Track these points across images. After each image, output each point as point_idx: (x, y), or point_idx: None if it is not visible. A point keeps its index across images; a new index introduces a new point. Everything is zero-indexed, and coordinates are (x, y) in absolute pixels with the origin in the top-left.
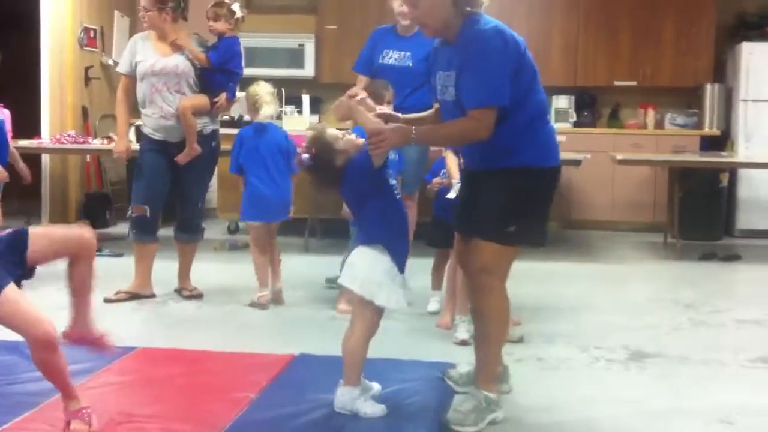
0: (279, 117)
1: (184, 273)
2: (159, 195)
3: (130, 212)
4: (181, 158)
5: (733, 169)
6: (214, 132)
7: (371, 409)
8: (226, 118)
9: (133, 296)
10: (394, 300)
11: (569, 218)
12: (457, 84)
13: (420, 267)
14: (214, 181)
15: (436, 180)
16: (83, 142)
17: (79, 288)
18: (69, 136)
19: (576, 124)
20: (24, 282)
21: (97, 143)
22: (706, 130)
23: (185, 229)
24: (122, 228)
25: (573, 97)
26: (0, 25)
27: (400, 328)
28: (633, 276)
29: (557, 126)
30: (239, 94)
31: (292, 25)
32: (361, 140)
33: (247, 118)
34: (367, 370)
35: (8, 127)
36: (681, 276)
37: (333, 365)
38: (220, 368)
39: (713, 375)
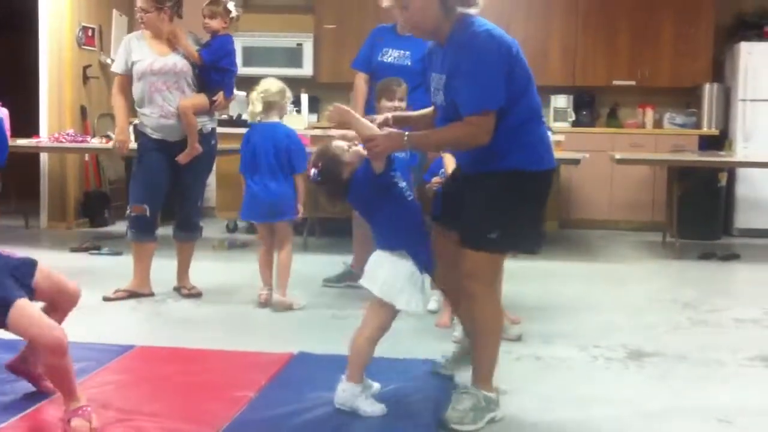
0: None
1: (182, 271)
2: (158, 194)
3: (128, 211)
4: (183, 158)
5: (731, 169)
6: (213, 130)
7: (371, 407)
8: (224, 117)
9: (131, 295)
10: (414, 304)
11: (568, 217)
12: (446, 87)
13: None
14: (212, 180)
15: (435, 179)
16: (82, 141)
17: None
18: (67, 135)
19: (574, 124)
20: None
21: (95, 142)
22: (705, 130)
23: (184, 227)
24: (121, 227)
25: (572, 97)
26: None
27: (399, 327)
28: (632, 275)
29: (556, 125)
30: (239, 92)
31: (291, 24)
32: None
33: (245, 117)
34: (367, 369)
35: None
36: (680, 275)
37: (332, 364)
38: (219, 367)
39: (712, 374)
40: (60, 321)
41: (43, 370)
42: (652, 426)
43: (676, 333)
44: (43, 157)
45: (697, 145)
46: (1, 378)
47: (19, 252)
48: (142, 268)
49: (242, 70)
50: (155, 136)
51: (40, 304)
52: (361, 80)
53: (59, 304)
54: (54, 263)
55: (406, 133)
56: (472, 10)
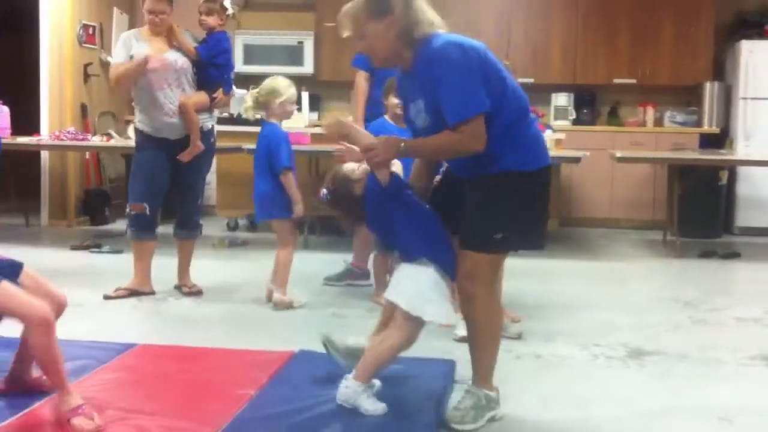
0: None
1: (183, 270)
2: (158, 192)
3: (128, 210)
4: (185, 156)
5: (732, 167)
6: (212, 128)
7: (372, 406)
8: (225, 115)
9: (132, 293)
10: (443, 315)
11: (568, 216)
12: (427, 106)
13: None
14: (213, 178)
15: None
16: (82, 139)
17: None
18: (68, 133)
19: (575, 122)
20: None
21: (96, 140)
22: (706, 128)
23: (184, 225)
24: (121, 225)
25: (572, 95)
26: None
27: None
28: (632, 274)
29: (557, 124)
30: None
31: (291, 22)
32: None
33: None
34: None
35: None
36: (680, 274)
37: (333, 362)
38: (220, 365)
39: (712, 373)
40: None
41: (34, 356)
42: (653, 425)
43: (676, 332)
44: (44, 155)
45: (698, 144)
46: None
47: (20, 250)
48: (142, 266)
49: (243, 68)
50: (155, 134)
51: None
52: (361, 78)
53: None
54: (54, 261)
55: (403, 139)
56: (430, 31)
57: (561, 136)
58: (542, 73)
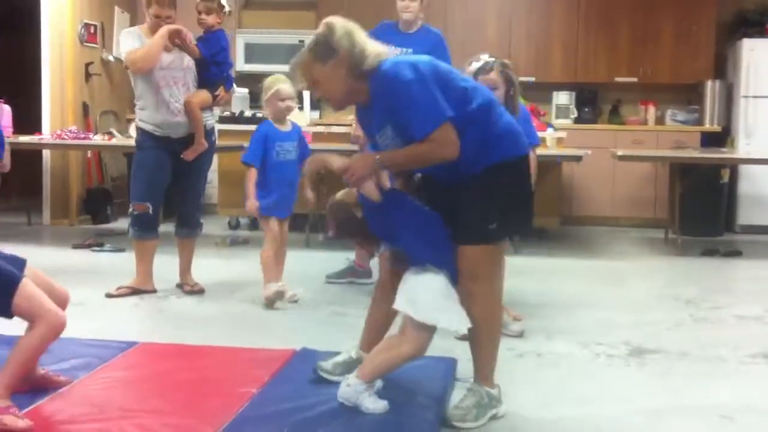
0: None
1: (184, 268)
2: (160, 191)
3: (131, 209)
4: (189, 154)
5: (734, 166)
6: (213, 127)
7: (374, 404)
8: (226, 113)
9: (134, 292)
10: (456, 321)
11: (570, 214)
12: (396, 134)
13: None
14: (214, 177)
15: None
16: (84, 138)
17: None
18: (70, 131)
19: (577, 120)
20: None
21: (98, 139)
22: (707, 127)
23: (185, 223)
24: (123, 223)
25: (574, 93)
26: (0, 22)
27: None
28: (634, 272)
29: (558, 122)
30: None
31: (292, 21)
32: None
33: (247, 113)
34: None
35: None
36: (682, 272)
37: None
38: (222, 363)
39: (713, 371)
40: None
41: (19, 349)
42: (653, 423)
43: (677, 330)
44: (46, 154)
45: (699, 142)
46: None
47: (21, 248)
48: (144, 265)
49: (244, 66)
50: (158, 132)
51: None
52: None
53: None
54: (56, 260)
55: (377, 153)
56: (377, 60)
57: (562, 134)
58: (543, 71)
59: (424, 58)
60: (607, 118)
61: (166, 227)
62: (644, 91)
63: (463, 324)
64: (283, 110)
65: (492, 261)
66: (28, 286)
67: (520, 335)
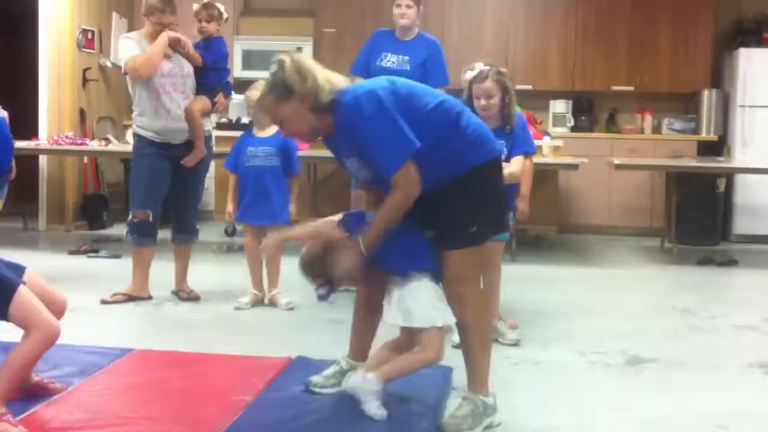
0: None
1: (180, 275)
2: (160, 198)
3: (131, 217)
4: (190, 161)
5: (730, 175)
6: (211, 133)
7: (377, 411)
8: (224, 120)
9: (129, 298)
10: (449, 316)
11: (566, 222)
12: (362, 164)
13: None
14: (211, 184)
15: None
16: (81, 144)
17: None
18: (66, 137)
19: (573, 129)
20: None
21: (94, 145)
22: (704, 136)
23: (182, 230)
24: (119, 229)
25: (571, 102)
26: None
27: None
28: (630, 281)
29: (555, 130)
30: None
31: (291, 27)
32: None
33: (244, 120)
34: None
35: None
36: (678, 281)
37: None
38: (217, 371)
39: (709, 380)
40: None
41: (13, 356)
42: (650, 431)
43: (674, 339)
44: (42, 159)
45: (696, 151)
46: None
47: (18, 254)
48: (141, 272)
49: (241, 73)
50: (157, 139)
51: None
52: None
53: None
54: (52, 265)
55: (359, 240)
56: (336, 90)
57: (559, 142)
58: (541, 79)
59: (382, 84)
60: (603, 126)
61: (162, 233)
62: (641, 100)
63: (451, 319)
64: (257, 116)
65: (478, 262)
66: (24, 294)
67: (516, 343)
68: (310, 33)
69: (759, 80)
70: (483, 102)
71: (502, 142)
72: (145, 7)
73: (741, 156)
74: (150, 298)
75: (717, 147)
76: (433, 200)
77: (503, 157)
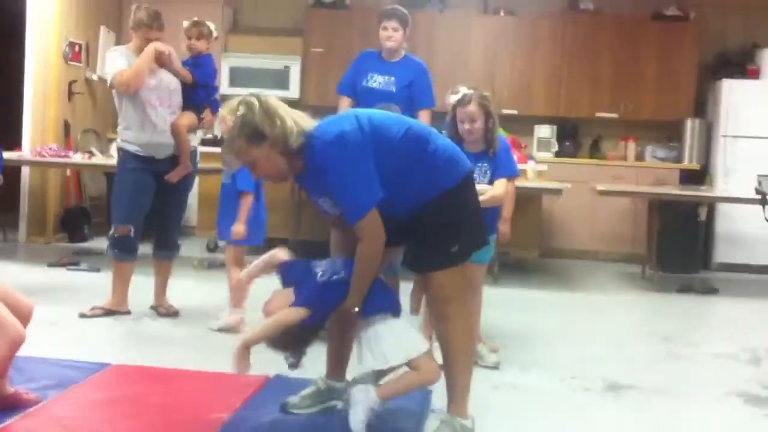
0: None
1: (160, 290)
2: (143, 213)
3: (112, 232)
4: (174, 176)
5: (711, 204)
6: (196, 149)
7: (359, 424)
8: (208, 136)
9: (108, 312)
10: (421, 342)
11: (549, 247)
12: (333, 203)
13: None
14: (194, 200)
15: None
16: (64, 156)
17: None
18: (50, 149)
19: (558, 154)
20: None
21: (78, 157)
22: (686, 164)
23: (163, 245)
24: (100, 243)
25: (555, 127)
26: None
27: None
28: (611, 307)
29: (539, 155)
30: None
31: (279, 46)
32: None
33: None
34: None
35: None
36: (658, 308)
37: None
38: (194, 387)
39: (688, 407)
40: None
41: None
42: None
43: (653, 366)
44: (25, 170)
45: (678, 179)
46: None
47: None
48: (121, 287)
49: (228, 90)
50: (141, 153)
51: None
52: (345, 105)
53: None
54: (31, 278)
55: (346, 303)
56: (307, 134)
57: (543, 167)
58: (526, 105)
59: (350, 122)
60: (587, 152)
61: (143, 248)
62: (625, 127)
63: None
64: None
65: (461, 281)
66: None
67: (496, 366)
68: (298, 52)
69: (741, 111)
70: (467, 126)
71: (486, 165)
72: (132, 21)
73: (723, 185)
74: (129, 312)
75: (699, 176)
76: (412, 225)
77: (485, 180)
